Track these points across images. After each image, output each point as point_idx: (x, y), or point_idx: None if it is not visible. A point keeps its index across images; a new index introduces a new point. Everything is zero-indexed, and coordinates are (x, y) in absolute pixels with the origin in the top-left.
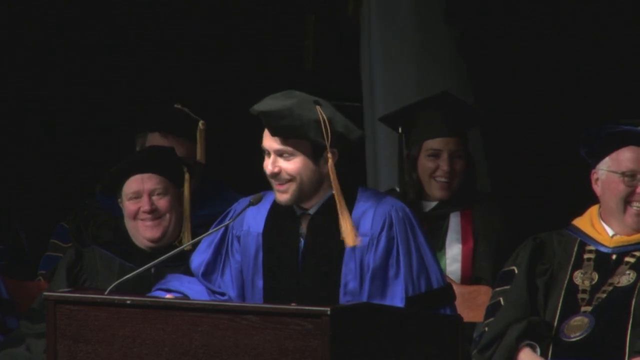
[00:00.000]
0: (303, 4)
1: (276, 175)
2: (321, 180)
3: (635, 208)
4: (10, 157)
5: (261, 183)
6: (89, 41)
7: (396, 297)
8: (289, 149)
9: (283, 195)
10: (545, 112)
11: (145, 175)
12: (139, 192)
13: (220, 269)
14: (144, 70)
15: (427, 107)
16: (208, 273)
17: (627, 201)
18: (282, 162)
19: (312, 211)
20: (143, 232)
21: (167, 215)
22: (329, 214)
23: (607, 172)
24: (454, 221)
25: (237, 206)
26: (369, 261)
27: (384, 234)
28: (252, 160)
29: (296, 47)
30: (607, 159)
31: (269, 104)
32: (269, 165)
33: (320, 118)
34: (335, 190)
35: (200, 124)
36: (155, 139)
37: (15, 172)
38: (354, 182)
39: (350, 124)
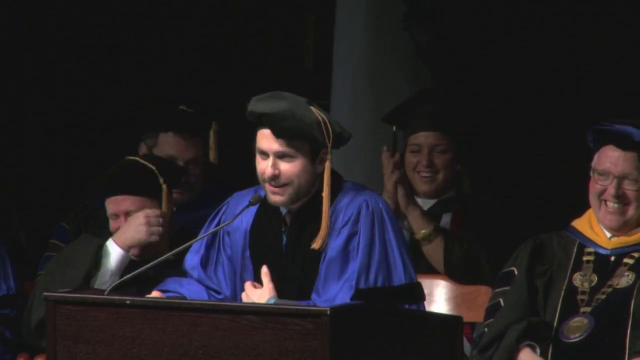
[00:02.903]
0: (303, 4)
1: (275, 177)
2: (314, 181)
3: (609, 207)
4: (10, 157)
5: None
6: (89, 41)
7: (344, 288)
8: (291, 150)
9: (278, 197)
10: (545, 112)
11: (120, 197)
12: (117, 214)
13: (214, 264)
14: (144, 71)
15: (414, 103)
16: (203, 268)
17: (600, 199)
18: (282, 164)
19: (295, 209)
20: None
21: None
22: (311, 212)
23: (592, 168)
24: (445, 222)
25: (231, 200)
26: (326, 252)
27: (346, 228)
28: (252, 160)
29: (296, 47)
30: (595, 155)
31: (267, 105)
32: (268, 167)
33: (320, 118)
34: (326, 192)
35: (214, 124)
36: (167, 139)
37: (15, 172)
38: (339, 177)
39: (340, 123)
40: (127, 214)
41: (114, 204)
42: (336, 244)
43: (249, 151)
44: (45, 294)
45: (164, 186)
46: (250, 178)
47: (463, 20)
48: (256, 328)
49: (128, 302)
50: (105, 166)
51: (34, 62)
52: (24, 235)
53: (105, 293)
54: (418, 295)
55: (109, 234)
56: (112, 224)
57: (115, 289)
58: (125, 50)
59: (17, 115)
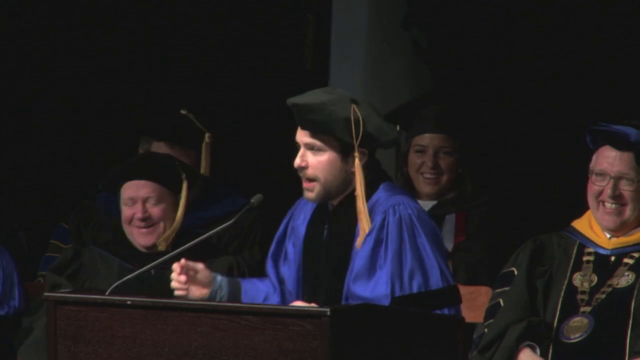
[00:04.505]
0: (303, 4)
1: (302, 169)
2: (348, 178)
3: (606, 207)
4: (11, 157)
5: (262, 185)
6: (91, 42)
7: (379, 297)
8: (318, 143)
9: (309, 193)
10: (545, 113)
11: (141, 182)
12: (134, 199)
13: (283, 258)
14: (145, 72)
15: (420, 104)
16: (275, 263)
17: (598, 200)
18: (310, 156)
19: (336, 204)
20: (137, 239)
21: (161, 224)
22: (349, 207)
23: (590, 169)
24: (449, 222)
25: (298, 204)
26: (354, 262)
27: (371, 236)
28: (252, 161)
29: (296, 47)
30: (593, 156)
31: (305, 97)
32: (297, 157)
33: (352, 117)
34: (359, 193)
35: (207, 136)
36: (160, 148)
37: (16, 172)
38: (378, 178)
39: (387, 126)
40: (145, 202)
41: (133, 189)
42: (362, 252)
43: (249, 152)
44: (45, 294)
45: (185, 181)
46: (249, 179)
47: (463, 21)
48: (256, 328)
49: (128, 302)
50: (105, 167)
51: (35, 63)
52: (24, 235)
53: (106, 293)
54: (455, 298)
55: (108, 235)
56: (126, 211)
57: (115, 289)
58: (125, 51)
59: (18, 115)
